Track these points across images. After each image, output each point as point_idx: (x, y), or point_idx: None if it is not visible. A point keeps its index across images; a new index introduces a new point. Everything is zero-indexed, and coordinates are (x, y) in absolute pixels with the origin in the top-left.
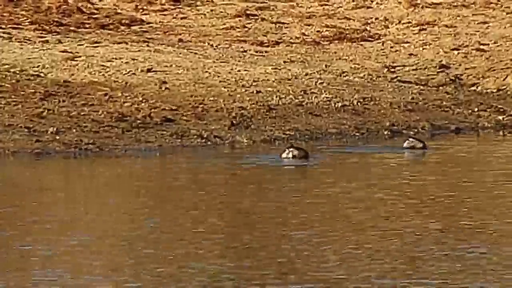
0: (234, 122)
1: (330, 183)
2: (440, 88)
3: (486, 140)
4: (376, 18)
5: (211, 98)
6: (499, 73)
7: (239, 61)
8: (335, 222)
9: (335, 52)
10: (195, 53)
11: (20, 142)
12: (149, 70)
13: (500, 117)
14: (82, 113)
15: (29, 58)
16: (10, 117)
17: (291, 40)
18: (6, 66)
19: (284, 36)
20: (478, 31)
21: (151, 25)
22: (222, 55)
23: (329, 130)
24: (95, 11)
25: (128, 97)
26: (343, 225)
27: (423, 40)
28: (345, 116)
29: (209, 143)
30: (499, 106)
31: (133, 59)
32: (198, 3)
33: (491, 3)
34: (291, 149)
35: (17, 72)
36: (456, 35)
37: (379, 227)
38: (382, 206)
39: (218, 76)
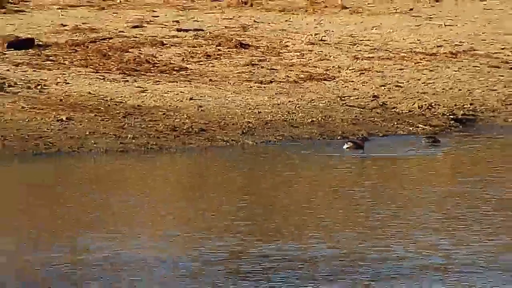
0: (244, 131)
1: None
2: (373, 110)
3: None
4: (333, 66)
5: (229, 116)
6: (410, 101)
7: (247, 93)
8: None
9: (307, 88)
10: (220, 88)
11: (110, 143)
12: (191, 99)
13: (411, 128)
14: (149, 125)
15: (116, 91)
16: (104, 128)
17: (280, 80)
18: (101, 96)
19: (275, 78)
20: (397, 75)
21: (192, 70)
22: (236, 89)
23: (303, 136)
24: (157, 62)
25: (178, 116)
26: None
27: (363, 80)
28: (314, 128)
29: (228, 144)
30: (410, 121)
31: (181, 92)
32: (222, 57)
33: (405, 58)
34: (349, 143)
35: (108, 100)
36: (383, 77)
37: None
38: None
39: (234, 103)
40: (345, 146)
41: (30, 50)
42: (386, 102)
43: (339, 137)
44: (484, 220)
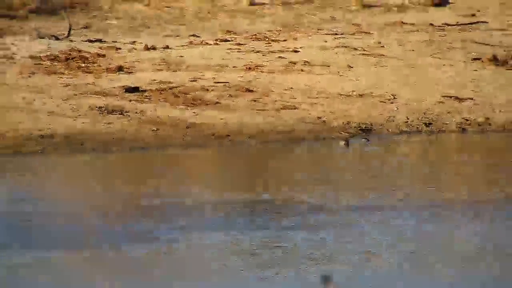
0: (250, 136)
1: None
2: (319, 125)
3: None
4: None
5: (243, 128)
6: (338, 119)
7: (251, 115)
8: None
9: (284, 113)
10: (238, 113)
11: (179, 142)
12: (221, 119)
13: (339, 134)
14: (199, 132)
15: (182, 115)
16: (175, 134)
17: (269, 109)
18: (173, 117)
19: (267, 108)
20: (323, 105)
21: (223, 103)
22: (246, 113)
23: (281, 139)
24: (204, 99)
25: (215, 127)
26: None
27: (316, 108)
28: (286, 135)
29: (242, 143)
30: (338, 130)
31: (216, 115)
32: (238, 96)
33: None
34: (344, 141)
35: (178, 119)
36: (327, 106)
37: None
38: None
39: (245, 124)
40: (341, 143)
41: (137, 93)
42: (325, 120)
43: (300, 140)
44: (359, 182)
